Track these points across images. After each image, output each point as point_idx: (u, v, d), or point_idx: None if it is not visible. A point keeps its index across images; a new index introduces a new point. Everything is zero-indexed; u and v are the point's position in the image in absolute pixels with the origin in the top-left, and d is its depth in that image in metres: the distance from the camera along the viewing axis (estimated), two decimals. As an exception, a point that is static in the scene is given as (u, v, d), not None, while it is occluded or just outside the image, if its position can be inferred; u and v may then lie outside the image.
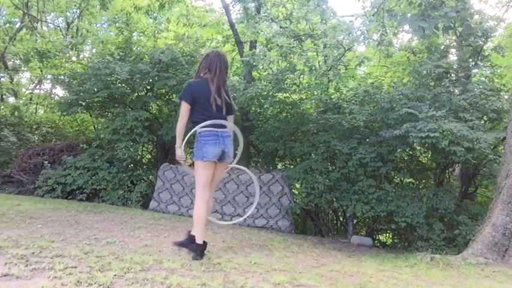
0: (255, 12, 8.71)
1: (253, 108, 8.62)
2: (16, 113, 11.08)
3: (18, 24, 12.63)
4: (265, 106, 8.27)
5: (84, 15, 13.71)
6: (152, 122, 9.07)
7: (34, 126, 11.23)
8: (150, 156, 10.28)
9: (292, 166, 8.15)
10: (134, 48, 9.85)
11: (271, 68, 8.71)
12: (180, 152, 3.62)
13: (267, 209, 7.22)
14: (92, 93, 8.61)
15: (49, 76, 12.69)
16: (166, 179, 7.93)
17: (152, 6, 11.40)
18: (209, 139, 3.48)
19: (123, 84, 8.65)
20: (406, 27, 7.50)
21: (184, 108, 3.53)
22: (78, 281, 2.25)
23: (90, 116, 10.28)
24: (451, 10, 5.41)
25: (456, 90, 7.39)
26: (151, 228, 5.14)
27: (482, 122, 7.08)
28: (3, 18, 13.15)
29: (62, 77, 11.11)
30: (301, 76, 8.75)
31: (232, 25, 9.63)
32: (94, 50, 13.21)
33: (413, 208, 6.44)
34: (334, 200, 7.02)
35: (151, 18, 12.57)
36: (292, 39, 8.28)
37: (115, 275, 2.47)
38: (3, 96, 12.59)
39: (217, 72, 3.55)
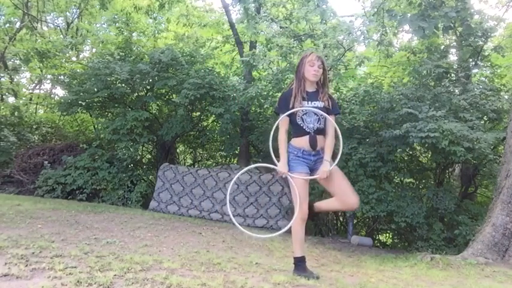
0: (255, 12, 8.71)
1: (253, 108, 8.63)
2: (16, 113, 11.07)
3: (18, 24, 12.62)
4: (265, 106, 8.27)
5: (84, 15, 13.71)
6: (152, 122, 9.07)
7: (34, 126, 11.22)
8: (150, 156, 10.28)
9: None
10: (134, 48, 9.85)
11: (271, 68, 8.72)
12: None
13: (267, 209, 7.22)
14: (92, 93, 8.61)
15: (49, 76, 12.69)
16: (166, 179, 7.93)
17: (152, 6, 11.40)
18: None
19: (123, 84, 8.64)
20: (406, 27, 7.51)
21: None
22: (78, 281, 2.25)
23: (90, 116, 10.27)
24: (451, 10, 5.41)
25: (456, 90, 7.39)
26: (151, 228, 5.14)
27: (482, 122, 7.08)
28: (3, 18, 13.16)
29: (62, 77, 11.12)
30: (301, 76, 8.73)
31: (232, 25, 9.64)
32: (94, 50, 13.23)
33: (413, 208, 6.44)
34: (334, 200, 7.01)
35: (151, 18, 12.58)
36: (292, 39, 8.28)
37: (115, 275, 2.47)
38: (3, 96, 12.57)
39: None
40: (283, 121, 3.18)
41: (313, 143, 3.11)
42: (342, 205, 3.24)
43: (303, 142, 3.13)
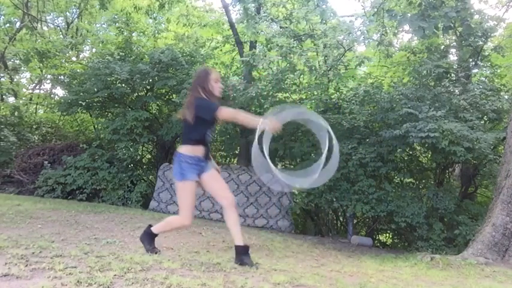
0: (255, 12, 8.71)
1: (253, 108, 8.61)
2: (16, 113, 11.06)
3: (18, 24, 12.62)
4: (265, 106, 8.26)
5: (84, 15, 13.71)
6: (152, 122, 9.06)
7: (34, 126, 11.22)
8: (150, 156, 10.27)
9: (292, 166, 8.15)
10: (134, 48, 9.84)
11: (271, 68, 8.71)
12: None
13: (267, 209, 7.22)
14: (92, 93, 8.61)
15: (49, 76, 12.69)
16: (166, 179, 7.93)
17: (152, 6, 11.40)
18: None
19: (123, 84, 8.64)
20: (406, 27, 7.51)
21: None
22: (78, 281, 2.25)
23: (90, 116, 10.27)
24: (451, 10, 5.42)
25: (456, 90, 7.40)
26: (151, 228, 5.13)
27: (482, 122, 7.08)
28: (3, 18, 13.16)
29: (62, 77, 11.11)
30: (301, 76, 8.74)
31: (232, 25, 9.63)
32: (94, 50, 13.22)
33: (413, 208, 6.44)
34: (334, 200, 7.01)
35: (151, 18, 12.57)
36: (292, 39, 8.28)
37: (115, 275, 2.46)
38: (3, 96, 12.56)
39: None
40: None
41: (206, 153, 3.39)
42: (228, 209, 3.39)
43: (199, 151, 3.31)
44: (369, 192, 6.67)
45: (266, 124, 3.12)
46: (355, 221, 7.91)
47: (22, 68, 13.31)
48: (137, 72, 8.22)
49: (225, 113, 3.28)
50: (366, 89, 7.75)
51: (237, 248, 3.29)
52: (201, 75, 3.48)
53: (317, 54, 9.28)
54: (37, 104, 13.68)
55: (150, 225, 3.47)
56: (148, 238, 3.42)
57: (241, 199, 7.35)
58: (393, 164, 6.97)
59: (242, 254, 3.28)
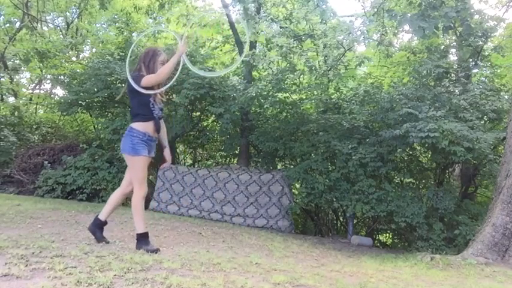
0: (255, 12, 8.71)
1: (253, 108, 8.63)
2: (16, 113, 11.06)
3: (18, 24, 12.62)
4: (265, 106, 8.27)
5: (84, 15, 13.71)
6: (152, 122, 9.06)
7: (34, 126, 11.22)
8: (150, 156, 10.25)
9: (292, 166, 8.15)
10: (134, 48, 9.84)
11: (271, 68, 8.71)
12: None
13: (267, 209, 7.22)
14: (92, 93, 8.61)
15: (49, 76, 12.68)
16: (166, 179, 7.93)
17: (152, 6, 11.40)
18: None
19: (123, 84, 8.63)
20: (406, 27, 7.51)
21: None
22: (78, 281, 2.25)
23: (90, 116, 10.27)
24: (451, 10, 5.42)
25: (456, 90, 7.40)
26: (151, 228, 5.13)
27: (482, 122, 7.08)
28: (3, 18, 13.16)
29: (62, 77, 11.11)
30: (301, 76, 8.75)
31: (232, 25, 9.63)
32: (94, 50, 13.22)
33: (413, 208, 6.44)
34: (334, 200, 7.02)
35: (151, 18, 12.57)
36: (292, 39, 8.28)
37: (115, 275, 2.46)
38: (3, 96, 12.56)
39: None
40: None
41: (157, 128, 3.53)
42: (124, 193, 3.62)
43: (149, 127, 3.45)
44: (369, 192, 6.67)
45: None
46: (355, 221, 7.91)
47: (22, 68, 13.30)
48: (137, 72, 8.22)
49: (146, 80, 3.43)
50: (366, 89, 7.76)
51: (100, 221, 3.65)
52: (150, 53, 3.62)
53: (317, 54, 9.28)
54: (37, 104, 13.67)
55: (137, 233, 3.47)
56: (143, 241, 3.42)
57: (241, 199, 7.35)
58: (393, 164, 6.97)
59: (100, 228, 3.65)
